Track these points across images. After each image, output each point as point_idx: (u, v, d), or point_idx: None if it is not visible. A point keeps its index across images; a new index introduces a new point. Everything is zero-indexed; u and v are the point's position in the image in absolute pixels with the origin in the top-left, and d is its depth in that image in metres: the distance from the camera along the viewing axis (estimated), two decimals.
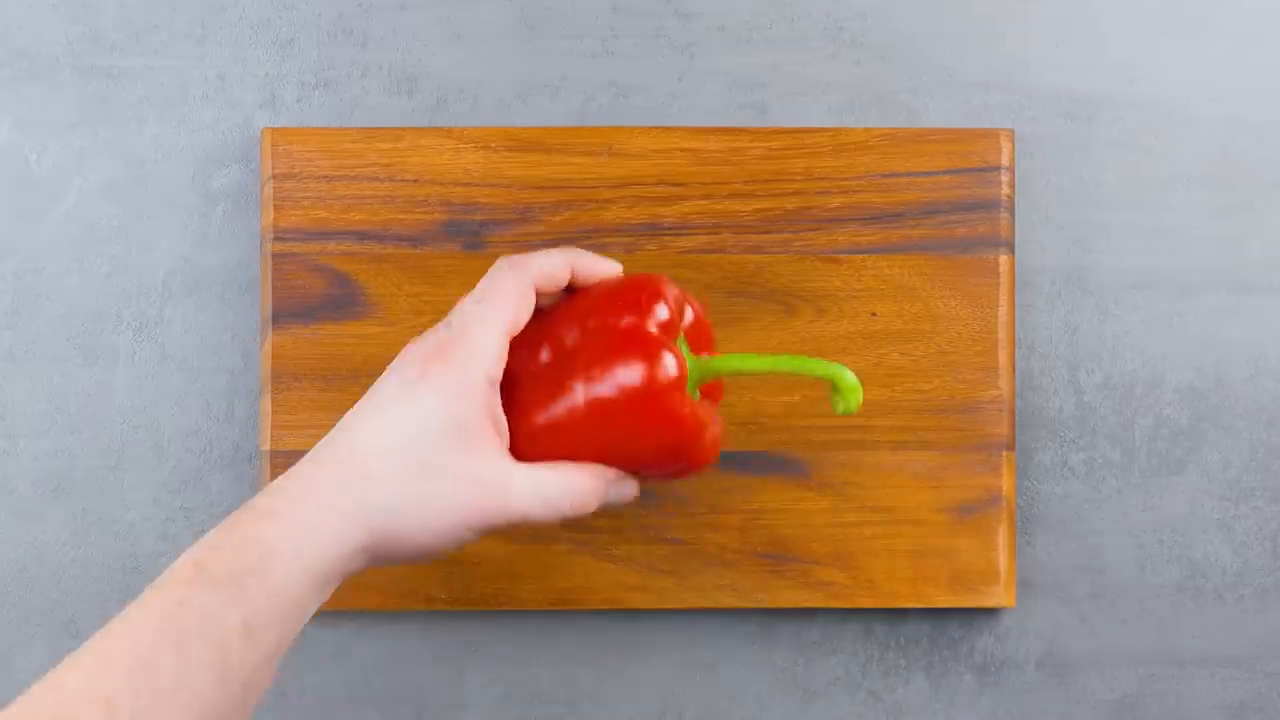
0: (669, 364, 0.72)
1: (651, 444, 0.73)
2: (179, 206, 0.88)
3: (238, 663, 0.66)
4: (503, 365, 0.73)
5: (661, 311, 0.73)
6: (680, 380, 0.73)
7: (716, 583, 0.87)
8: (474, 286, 0.76)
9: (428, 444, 0.71)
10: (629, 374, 0.72)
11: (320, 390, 0.86)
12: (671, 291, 0.75)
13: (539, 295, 0.75)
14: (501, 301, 0.73)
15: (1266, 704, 0.89)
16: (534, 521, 0.73)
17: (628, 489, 0.76)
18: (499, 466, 0.72)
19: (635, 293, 0.74)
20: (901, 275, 0.87)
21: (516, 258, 0.75)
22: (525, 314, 0.74)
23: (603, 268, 0.77)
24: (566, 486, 0.73)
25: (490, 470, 0.72)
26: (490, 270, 0.75)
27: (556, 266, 0.75)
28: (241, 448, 0.88)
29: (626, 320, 0.73)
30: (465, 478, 0.71)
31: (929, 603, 0.87)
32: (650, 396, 0.72)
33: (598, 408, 0.73)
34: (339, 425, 0.73)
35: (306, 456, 0.72)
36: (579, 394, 0.73)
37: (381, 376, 0.74)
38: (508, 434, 0.74)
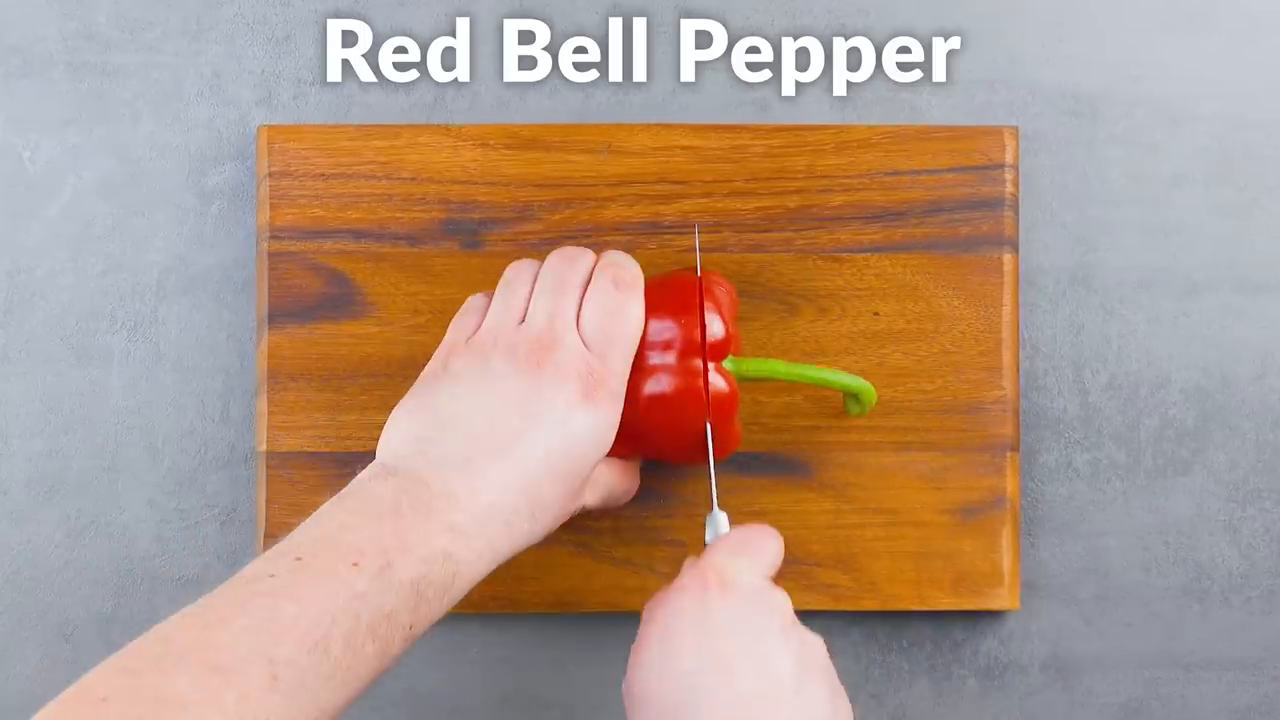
0: (723, 385, 0.79)
1: (692, 444, 0.80)
2: (174, 205, 0.88)
3: (391, 660, 0.68)
4: None
5: (717, 327, 0.79)
6: (732, 398, 0.79)
7: None
8: (476, 283, 0.81)
9: (583, 470, 0.75)
10: (686, 389, 0.78)
11: (317, 390, 0.86)
12: (725, 299, 0.80)
13: None
14: (635, 327, 0.78)
15: (1273, 707, 0.89)
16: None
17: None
18: (603, 479, 0.79)
19: (687, 302, 0.79)
20: (904, 274, 0.87)
21: (607, 264, 0.79)
22: None
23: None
24: (626, 486, 0.81)
25: (595, 490, 0.79)
26: (575, 272, 0.79)
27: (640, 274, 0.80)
28: (237, 449, 0.88)
29: (684, 335, 0.79)
30: (585, 492, 0.78)
31: (932, 605, 0.87)
32: (699, 409, 0.79)
33: (652, 408, 0.78)
34: (478, 424, 0.74)
35: (453, 452, 0.73)
36: (637, 392, 0.79)
37: (529, 387, 0.75)
38: None
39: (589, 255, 0.79)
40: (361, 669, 0.66)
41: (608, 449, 0.76)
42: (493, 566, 0.72)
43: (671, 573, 0.83)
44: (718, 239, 0.87)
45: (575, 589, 0.86)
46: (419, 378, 0.78)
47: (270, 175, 0.86)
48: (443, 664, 0.88)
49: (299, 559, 0.67)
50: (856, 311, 0.87)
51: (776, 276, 0.87)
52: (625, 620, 0.85)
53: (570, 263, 0.79)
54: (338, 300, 0.86)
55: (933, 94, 0.89)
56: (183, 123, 0.88)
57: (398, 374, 0.85)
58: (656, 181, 0.86)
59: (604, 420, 0.75)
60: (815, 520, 0.87)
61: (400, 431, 0.75)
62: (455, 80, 0.88)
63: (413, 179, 0.86)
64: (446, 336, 0.79)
